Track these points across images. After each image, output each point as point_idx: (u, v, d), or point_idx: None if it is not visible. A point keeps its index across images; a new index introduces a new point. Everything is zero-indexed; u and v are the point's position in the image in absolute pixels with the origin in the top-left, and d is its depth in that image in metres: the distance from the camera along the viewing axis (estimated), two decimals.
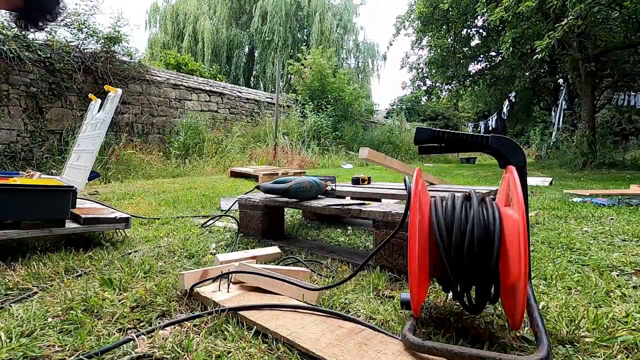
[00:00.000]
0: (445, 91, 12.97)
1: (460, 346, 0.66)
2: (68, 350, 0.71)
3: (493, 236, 0.69)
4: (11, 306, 0.90)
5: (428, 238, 0.75)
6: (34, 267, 1.17)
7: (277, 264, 1.27)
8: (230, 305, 0.86)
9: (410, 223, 0.71)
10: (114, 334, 0.78)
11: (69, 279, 1.10)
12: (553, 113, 11.06)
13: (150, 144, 6.96)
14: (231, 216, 2.04)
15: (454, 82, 12.16)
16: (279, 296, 0.94)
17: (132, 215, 1.77)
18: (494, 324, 0.82)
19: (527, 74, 9.39)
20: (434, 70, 11.67)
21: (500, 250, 0.69)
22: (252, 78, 17.76)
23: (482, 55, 11.36)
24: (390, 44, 11.98)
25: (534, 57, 6.70)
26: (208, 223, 1.95)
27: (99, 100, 2.10)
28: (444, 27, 10.12)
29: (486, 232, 0.70)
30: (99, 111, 1.96)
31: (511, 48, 7.39)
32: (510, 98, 11.36)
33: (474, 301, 0.78)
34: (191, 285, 0.98)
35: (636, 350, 0.71)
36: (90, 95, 2.25)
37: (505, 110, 11.84)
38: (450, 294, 0.81)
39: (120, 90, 1.75)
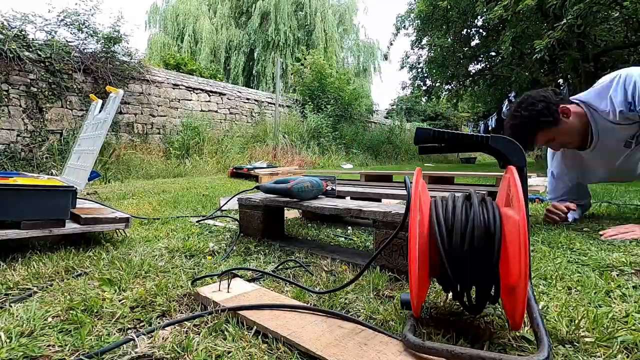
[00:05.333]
0: (445, 91, 12.96)
1: (460, 346, 0.66)
2: (68, 350, 0.71)
3: (493, 236, 0.69)
4: (11, 306, 0.90)
5: (428, 238, 0.75)
6: (34, 267, 1.17)
7: (276, 267, 1.27)
8: (230, 305, 0.86)
9: (410, 223, 0.71)
10: (114, 334, 0.78)
11: (69, 279, 1.10)
12: None
13: (150, 144, 6.96)
14: (230, 216, 2.05)
15: (453, 82, 12.16)
16: (279, 296, 0.95)
17: (132, 216, 1.77)
18: (494, 324, 0.82)
19: (526, 74, 9.39)
20: (434, 70, 11.67)
21: (500, 251, 0.69)
22: (252, 78, 17.76)
23: (482, 55, 11.36)
24: (391, 44, 11.93)
25: (534, 57, 6.70)
26: (207, 221, 1.96)
27: (100, 101, 2.10)
28: (444, 26, 10.12)
29: (487, 232, 0.70)
30: (100, 112, 1.96)
31: (510, 47, 7.39)
32: (510, 98, 11.35)
33: (474, 301, 0.78)
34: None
35: (636, 351, 0.71)
36: (92, 96, 2.25)
37: (504, 110, 11.83)
38: (450, 294, 0.81)
39: (121, 91, 1.75)
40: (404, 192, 1.71)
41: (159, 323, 0.83)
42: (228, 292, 0.95)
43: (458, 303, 0.82)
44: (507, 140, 0.86)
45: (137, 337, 0.74)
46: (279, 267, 1.24)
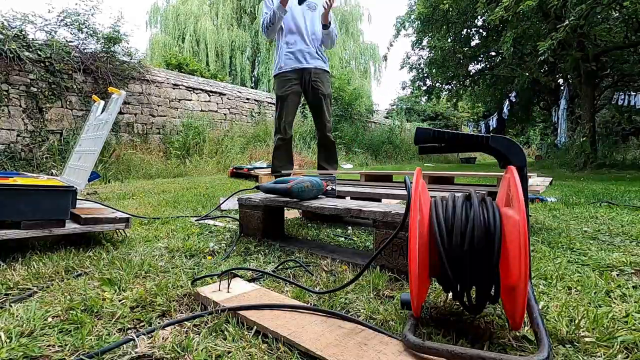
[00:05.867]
0: (445, 91, 12.95)
1: (460, 346, 0.66)
2: (68, 350, 0.71)
3: (493, 236, 0.69)
4: (11, 306, 0.90)
5: (428, 238, 0.75)
6: (34, 267, 1.17)
7: (276, 267, 1.27)
8: (230, 305, 0.86)
9: (410, 223, 0.71)
10: (114, 334, 0.78)
11: (69, 279, 1.10)
12: (553, 113, 11.07)
13: (150, 144, 6.96)
14: (230, 216, 2.04)
15: (454, 82, 12.16)
16: (279, 296, 0.95)
17: (132, 215, 1.77)
18: (494, 324, 0.82)
19: (526, 74, 9.39)
20: (434, 71, 11.66)
21: (500, 251, 0.69)
22: (254, 78, 17.76)
23: (482, 55, 11.35)
24: (391, 45, 11.92)
25: (538, 59, 6.69)
26: (207, 221, 1.95)
27: (102, 102, 2.10)
28: (444, 27, 10.11)
29: (487, 232, 0.70)
30: (102, 112, 1.96)
31: (512, 48, 7.39)
32: (511, 98, 11.36)
33: (474, 301, 0.78)
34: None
35: (636, 350, 0.71)
36: (94, 97, 2.25)
37: (505, 110, 11.84)
38: (450, 294, 0.81)
39: (123, 93, 1.74)
40: (404, 192, 1.71)
41: (159, 323, 0.83)
42: (228, 292, 0.95)
43: (458, 303, 0.82)
44: (507, 141, 0.86)
45: (137, 337, 0.74)
46: (279, 267, 1.24)
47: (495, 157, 0.90)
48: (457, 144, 0.89)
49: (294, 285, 1.05)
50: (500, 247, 0.69)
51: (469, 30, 10.73)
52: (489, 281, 0.73)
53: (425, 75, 12.50)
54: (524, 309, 0.65)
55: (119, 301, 0.94)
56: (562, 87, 10.66)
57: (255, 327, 0.79)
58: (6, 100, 5.22)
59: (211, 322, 0.82)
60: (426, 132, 0.89)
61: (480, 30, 10.74)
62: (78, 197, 1.72)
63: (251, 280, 1.11)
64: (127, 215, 1.56)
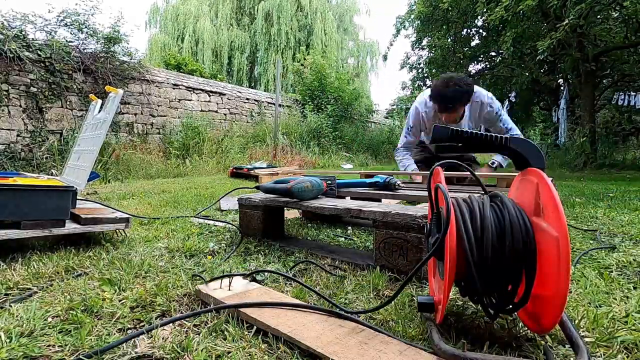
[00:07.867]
0: None
1: (502, 356, 0.64)
2: (68, 350, 0.71)
3: (528, 251, 0.69)
4: (11, 306, 0.90)
5: (456, 248, 0.72)
6: (34, 267, 1.17)
7: (291, 268, 1.27)
8: (231, 302, 0.86)
9: (448, 246, 0.69)
10: (114, 334, 0.78)
11: (69, 279, 1.10)
12: (553, 113, 11.07)
13: (150, 144, 6.96)
14: (230, 222, 2.04)
15: None
16: (280, 295, 0.94)
17: (132, 215, 1.77)
18: (516, 329, 0.81)
19: (526, 74, 9.39)
20: (434, 70, 11.64)
21: (535, 271, 0.68)
22: (253, 78, 17.76)
23: (482, 56, 11.35)
24: (391, 44, 11.89)
25: (537, 58, 6.69)
26: (207, 221, 1.95)
27: (100, 101, 2.09)
28: (444, 27, 10.11)
29: (523, 247, 0.69)
30: (99, 112, 1.96)
31: (512, 48, 7.38)
32: (510, 98, 11.36)
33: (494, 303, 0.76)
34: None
35: (636, 351, 0.71)
36: (91, 96, 2.25)
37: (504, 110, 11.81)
38: (460, 293, 0.80)
39: (121, 91, 1.74)
40: (404, 193, 1.71)
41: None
42: (229, 289, 0.95)
43: (474, 306, 0.82)
44: (528, 143, 0.84)
45: (137, 336, 0.74)
46: (293, 267, 1.24)
47: (512, 159, 0.86)
48: (475, 143, 0.85)
49: (296, 287, 1.05)
50: (536, 268, 0.68)
51: (469, 31, 10.73)
52: (515, 295, 0.72)
53: (425, 75, 12.48)
54: (558, 318, 0.64)
55: (119, 301, 0.94)
56: (562, 87, 10.66)
57: (255, 325, 0.79)
58: (6, 100, 5.22)
59: (211, 321, 0.82)
60: (444, 130, 0.85)
61: (480, 31, 10.73)
62: (78, 197, 1.72)
63: (252, 280, 1.11)
64: (127, 215, 1.56)
